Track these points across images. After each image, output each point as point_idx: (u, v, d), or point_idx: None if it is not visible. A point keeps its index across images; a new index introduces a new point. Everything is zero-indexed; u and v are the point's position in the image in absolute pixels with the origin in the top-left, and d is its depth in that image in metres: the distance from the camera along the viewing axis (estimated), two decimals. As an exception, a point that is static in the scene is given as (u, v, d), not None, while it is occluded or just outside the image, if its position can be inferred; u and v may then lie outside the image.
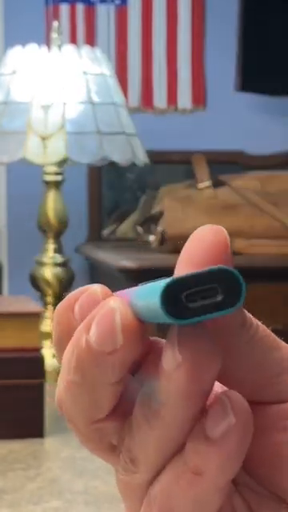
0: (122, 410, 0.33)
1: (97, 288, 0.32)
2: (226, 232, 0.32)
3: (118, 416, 0.33)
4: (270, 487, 0.33)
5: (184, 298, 0.30)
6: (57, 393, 0.33)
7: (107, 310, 0.31)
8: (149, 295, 0.30)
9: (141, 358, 0.34)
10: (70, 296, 0.33)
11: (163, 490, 0.32)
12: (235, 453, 0.30)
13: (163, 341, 0.34)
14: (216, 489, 0.31)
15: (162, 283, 0.30)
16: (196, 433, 0.31)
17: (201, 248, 0.31)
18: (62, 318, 0.33)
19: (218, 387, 0.33)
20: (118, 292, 0.33)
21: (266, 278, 2.61)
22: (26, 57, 2.27)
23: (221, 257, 0.31)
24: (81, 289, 0.33)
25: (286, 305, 2.62)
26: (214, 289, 0.30)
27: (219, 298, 0.30)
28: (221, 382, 0.33)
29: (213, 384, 0.31)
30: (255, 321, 0.33)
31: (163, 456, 0.32)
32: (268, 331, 0.33)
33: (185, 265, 0.31)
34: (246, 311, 0.32)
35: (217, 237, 0.31)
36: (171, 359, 0.30)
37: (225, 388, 0.33)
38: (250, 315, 0.33)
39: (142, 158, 2.33)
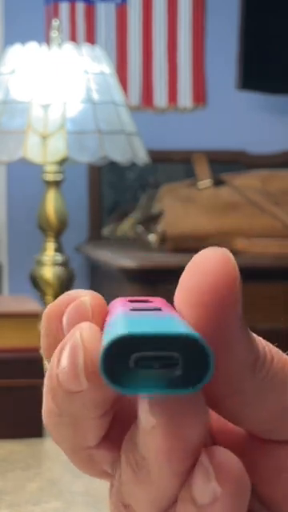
0: (116, 438, 0.29)
1: (86, 299, 0.28)
2: (233, 259, 0.27)
3: (110, 445, 0.29)
4: None
5: (133, 361, 0.24)
6: (43, 410, 0.29)
7: (72, 345, 0.27)
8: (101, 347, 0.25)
9: None
10: (58, 302, 0.29)
11: None
12: None
13: None
14: None
15: (111, 334, 0.24)
16: (185, 493, 0.27)
17: (204, 281, 0.26)
18: (49, 329, 0.30)
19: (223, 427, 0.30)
20: (115, 301, 0.29)
21: (266, 277, 2.61)
22: (26, 55, 2.27)
23: (228, 295, 0.26)
24: (71, 295, 0.29)
25: (287, 304, 2.61)
26: (173, 358, 0.24)
27: (178, 372, 0.24)
28: (232, 422, 0.29)
29: (202, 441, 0.27)
30: (269, 352, 0.28)
31: (158, 509, 0.28)
32: (283, 360, 0.28)
33: (184, 305, 0.26)
34: (260, 341, 0.28)
35: (225, 268, 0.26)
36: (145, 419, 0.26)
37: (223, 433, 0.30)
38: (262, 345, 0.28)
39: (142, 157, 2.32)
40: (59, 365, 0.27)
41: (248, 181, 2.90)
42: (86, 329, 0.27)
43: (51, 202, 2.33)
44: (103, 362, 0.24)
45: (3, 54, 2.34)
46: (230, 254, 0.27)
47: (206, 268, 0.26)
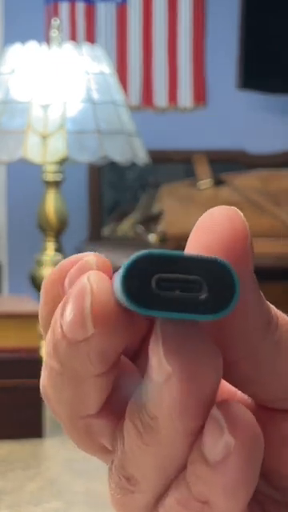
0: (117, 408, 0.27)
1: (91, 258, 0.27)
2: (243, 217, 0.26)
3: (110, 415, 0.28)
4: None
5: (154, 283, 0.23)
6: (41, 379, 0.28)
7: (78, 290, 0.25)
8: (117, 274, 0.24)
9: (139, 342, 0.29)
10: (60, 266, 0.28)
11: None
12: (243, 477, 0.25)
13: None
14: None
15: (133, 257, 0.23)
16: (195, 454, 0.26)
17: (213, 238, 0.25)
18: (49, 295, 0.28)
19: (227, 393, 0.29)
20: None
21: (267, 277, 2.60)
22: (26, 55, 2.26)
23: (238, 251, 0.25)
24: (73, 258, 0.27)
25: None
26: (197, 283, 0.23)
27: (202, 296, 0.23)
28: (242, 390, 0.28)
29: (215, 393, 0.26)
30: (281, 317, 0.27)
31: (164, 476, 0.27)
32: None
33: None
34: (271, 306, 0.27)
35: (233, 224, 0.26)
36: (158, 369, 0.25)
37: (232, 392, 0.29)
38: (275, 311, 0.27)
39: (142, 157, 2.32)
40: (64, 315, 0.26)
41: (248, 181, 2.90)
42: (93, 274, 0.26)
43: (51, 202, 2.32)
44: (124, 281, 0.23)
45: (3, 54, 2.34)
46: (238, 211, 0.26)
47: (213, 226, 0.26)
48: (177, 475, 0.26)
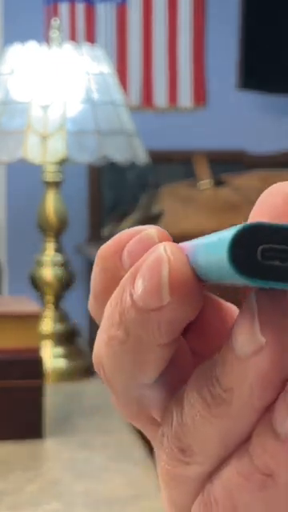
0: (170, 380, 0.28)
1: (152, 231, 0.27)
2: None
3: (163, 386, 0.28)
4: None
5: (259, 253, 0.23)
6: (95, 349, 0.28)
7: (154, 259, 0.25)
8: (214, 244, 0.24)
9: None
10: (118, 237, 0.28)
11: (226, 490, 0.27)
12: None
13: (212, 296, 0.29)
14: None
15: (233, 229, 0.24)
16: (264, 426, 0.26)
17: (273, 215, 0.25)
18: (106, 264, 0.28)
19: None
20: (181, 243, 0.27)
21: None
22: (26, 55, 2.26)
23: None
24: (132, 230, 0.28)
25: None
26: None
27: None
28: None
29: None
30: None
31: (224, 448, 0.26)
32: None
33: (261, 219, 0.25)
34: None
35: None
36: (249, 341, 0.25)
37: None
38: None
39: (142, 158, 2.32)
40: (135, 284, 0.26)
41: (248, 181, 2.90)
42: (169, 244, 0.26)
43: (51, 202, 2.32)
44: (231, 251, 0.23)
45: (3, 54, 2.34)
46: None
47: (273, 202, 0.26)
48: (238, 447, 0.26)
